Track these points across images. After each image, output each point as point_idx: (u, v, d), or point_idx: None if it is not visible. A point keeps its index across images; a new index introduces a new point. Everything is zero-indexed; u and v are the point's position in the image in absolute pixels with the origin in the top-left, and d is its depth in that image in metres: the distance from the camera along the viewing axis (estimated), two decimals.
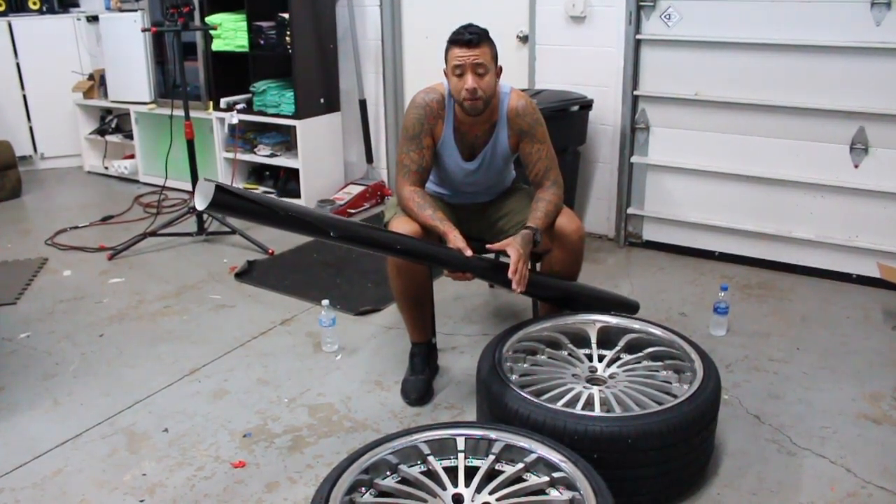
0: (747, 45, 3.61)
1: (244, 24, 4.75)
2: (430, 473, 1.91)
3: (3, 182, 5.17)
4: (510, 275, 2.36)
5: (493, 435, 1.97)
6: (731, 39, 3.63)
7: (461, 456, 1.95)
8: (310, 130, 4.83)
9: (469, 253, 2.41)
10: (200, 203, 1.89)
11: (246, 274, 3.83)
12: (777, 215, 3.75)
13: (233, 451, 2.42)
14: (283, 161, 4.96)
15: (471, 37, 2.41)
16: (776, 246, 3.79)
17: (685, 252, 4.03)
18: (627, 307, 2.89)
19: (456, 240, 2.43)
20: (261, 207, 2.07)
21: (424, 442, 1.96)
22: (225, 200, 1.94)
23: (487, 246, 2.49)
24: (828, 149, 3.55)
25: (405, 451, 1.94)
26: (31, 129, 5.85)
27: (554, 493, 1.85)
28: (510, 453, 1.95)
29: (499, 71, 2.53)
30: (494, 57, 2.49)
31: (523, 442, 1.94)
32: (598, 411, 2.13)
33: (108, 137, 5.77)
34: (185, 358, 3.02)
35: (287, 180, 5.00)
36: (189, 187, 4.39)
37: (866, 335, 3.13)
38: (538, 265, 2.77)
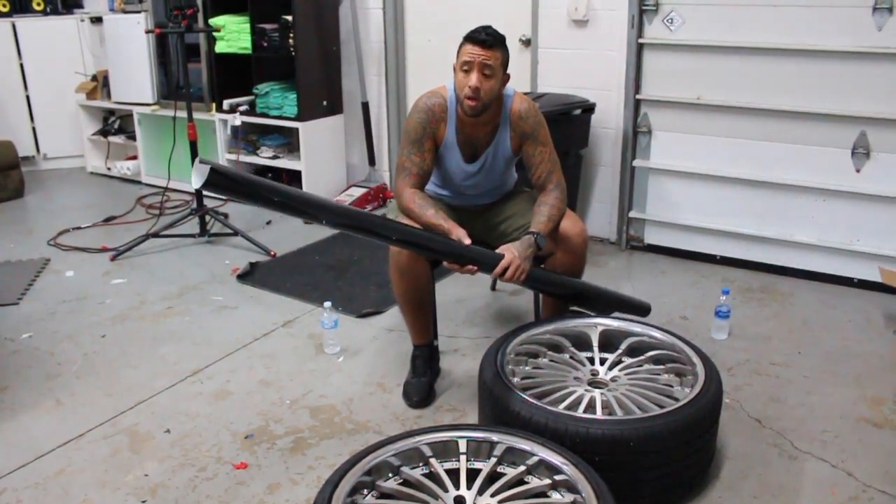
0: (749, 50, 3.61)
1: (247, 26, 4.76)
2: (432, 475, 1.91)
3: (6, 182, 5.18)
4: (495, 273, 2.39)
5: (494, 437, 1.97)
6: (733, 44, 3.63)
7: (463, 458, 1.96)
8: (312, 132, 4.83)
9: (468, 241, 2.41)
10: (196, 181, 1.94)
11: (248, 275, 3.84)
12: (778, 219, 3.76)
13: (235, 452, 2.43)
14: (285, 163, 4.97)
15: (486, 37, 2.43)
16: (777, 250, 3.80)
17: (687, 255, 4.03)
18: (639, 309, 2.90)
19: (458, 233, 2.43)
20: (252, 189, 2.10)
21: (426, 444, 1.96)
22: (218, 181, 1.98)
23: (495, 275, 2.46)
24: (829, 153, 3.56)
25: (407, 454, 1.94)
26: (34, 129, 5.87)
27: (556, 496, 1.85)
28: (512, 456, 1.95)
29: (506, 79, 2.53)
30: (504, 64, 2.50)
31: (525, 444, 1.94)
32: (599, 414, 2.13)
33: (111, 138, 5.78)
34: (188, 359, 3.02)
35: (289, 182, 5.00)
36: (191, 189, 4.39)
37: (868, 339, 3.13)
38: (541, 266, 2.77)
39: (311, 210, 2.22)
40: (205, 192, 4.34)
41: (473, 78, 2.43)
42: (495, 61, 2.44)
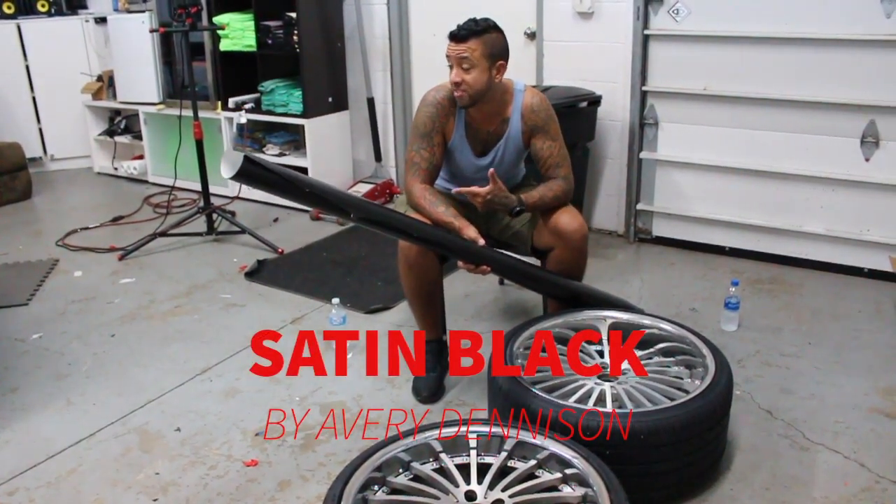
0: (756, 39, 3.59)
1: (252, 24, 4.76)
2: (443, 471, 1.91)
3: (13, 184, 5.20)
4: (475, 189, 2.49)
5: (504, 432, 1.97)
6: (740, 33, 3.61)
7: (473, 453, 1.95)
8: (318, 129, 4.83)
9: (482, 242, 2.43)
10: (227, 172, 1.93)
11: (256, 273, 3.84)
12: (787, 210, 3.74)
13: (245, 449, 2.43)
14: (291, 160, 4.96)
15: (459, 31, 2.47)
16: (787, 240, 3.78)
17: (695, 247, 4.02)
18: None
19: (470, 232, 2.45)
20: (285, 181, 2.09)
21: (436, 439, 1.96)
22: (251, 171, 1.97)
23: (454, 191, 2.56)
24: (838, 142, 3.53)
25: (417, 449, 1.94)
26: (40, 130, 5.87)
27: (566, 490, 1.84)
28: (522, 450, 1.94)
29: (499, 68, 2.51)
30: (488, 54, 2.46)
31: (535, 439, 1.93)
32: (609, 407, 2.12)
33: (118, 138, 5.78)
34: (197, 357, 3.03)
35: None
36: (198, 187, 4.40)
37: (878, 329, 3.11)
38: (542, 264, 2.77)
39: (340, 204, 2.23)
40: (211, 191, 4.37)
41: (454, 73, 2.48)
42: (471, 53, 2.45)
